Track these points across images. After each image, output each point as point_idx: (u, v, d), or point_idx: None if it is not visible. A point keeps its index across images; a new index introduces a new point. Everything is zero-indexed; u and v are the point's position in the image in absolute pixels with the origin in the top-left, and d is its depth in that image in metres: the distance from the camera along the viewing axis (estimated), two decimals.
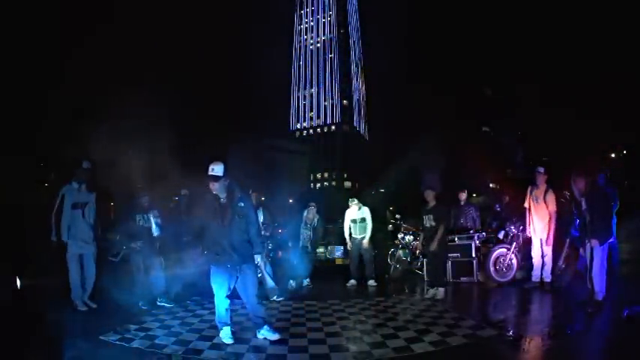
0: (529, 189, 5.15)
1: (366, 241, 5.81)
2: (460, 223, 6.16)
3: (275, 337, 3.17)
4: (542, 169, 5.07)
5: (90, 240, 4.30)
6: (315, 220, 6.06)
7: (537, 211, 4.99)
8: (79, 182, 4.29)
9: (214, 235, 3.14)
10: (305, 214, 6.05)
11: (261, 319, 3.20)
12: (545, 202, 4.93)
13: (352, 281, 5.81)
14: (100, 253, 4.52)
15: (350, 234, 6.00)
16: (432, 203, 4.99)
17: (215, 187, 3.17)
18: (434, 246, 4.87)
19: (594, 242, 3.73)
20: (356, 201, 6.02)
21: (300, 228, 6.07)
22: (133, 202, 4.54)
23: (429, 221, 4.95)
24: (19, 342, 3.12)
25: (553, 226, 4.85)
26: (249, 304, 3.26)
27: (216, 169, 3.16)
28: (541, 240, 4.94)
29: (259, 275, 4.55)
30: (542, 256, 4.92)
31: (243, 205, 3.23)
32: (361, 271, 5.89)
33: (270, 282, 4.95)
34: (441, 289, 4.74)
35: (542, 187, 5.01)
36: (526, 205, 5.14)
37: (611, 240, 3.85)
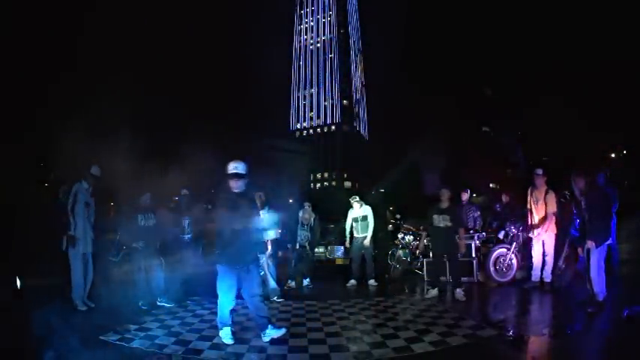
0: (529, 190, 5.15)
1: (367, 240, 5.81)
2: None
3: (281, 332, 3.17)
4: (540, 171, 5.08)
5: (91, 240, 4.38)
6: (312, 219, 6.01)
7: (538, 212, 4.99)
8: (88, 183, 4.40)
9: (232, 235, 3.10)
10: (300, 214, 6.03)
11: (266, 319, 3.20)
12: (545, 202, 4.93)
13: (352, 281, 5.81)
14: (98, 253, 4.54)
15: (351, 233, 6.00)
16: (446, 203, 4.89)
17: (238, 186, 3.19)
18: (463, 249, 4.93)
19: (590, 244, 3.72)
20: (357, 198, 6.02)
21: (297, 228, 6.05)
22: (134, 202, 4.54)
23: (443, 221, 4.81)
24: (18, 342, 3.12)
25: (548, 225, 4.87)
26: (252, 304, 3.24)
27: (240, 167, 3.19)
28: (543, 241, 4.94)
29: (262, 274, 4.55)
30: (544, 256, 4.93)
31: (252, 205, 3.27)
32: (362, 270, 5.90)
33: (272, 283, 4.95)
34: (459, 290, 4.69)
35: (542, 188, 5.02)
36: (528, 206, 5.15)
37: (609, 242, 3.82)
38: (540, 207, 4.97)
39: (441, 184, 5.11)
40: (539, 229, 4.94)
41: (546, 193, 4.96)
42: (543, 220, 4.90)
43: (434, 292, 4.77)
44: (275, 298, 4.79)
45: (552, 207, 4.88)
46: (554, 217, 4.87)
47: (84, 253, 4.28)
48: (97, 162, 4.48)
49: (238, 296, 3.31)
